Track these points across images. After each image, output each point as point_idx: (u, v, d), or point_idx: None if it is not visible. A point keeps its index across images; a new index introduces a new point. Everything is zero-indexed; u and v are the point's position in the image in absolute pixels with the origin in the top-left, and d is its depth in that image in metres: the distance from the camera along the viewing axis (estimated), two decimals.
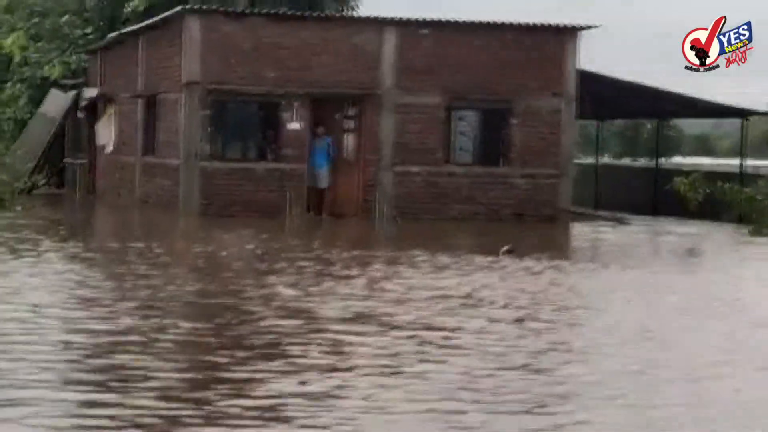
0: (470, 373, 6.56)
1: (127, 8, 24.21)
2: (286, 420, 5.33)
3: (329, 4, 25.45)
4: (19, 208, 18.21)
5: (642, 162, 29.34)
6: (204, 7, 18.58)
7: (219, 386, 5.97)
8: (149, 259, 12.42)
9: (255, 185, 18.19)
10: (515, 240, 14.99)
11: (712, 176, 21.76)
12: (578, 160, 30.15)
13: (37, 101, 25.38)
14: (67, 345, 7.20)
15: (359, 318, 8.55)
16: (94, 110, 23.77)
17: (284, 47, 18.25)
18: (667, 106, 24.40)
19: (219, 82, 17.92)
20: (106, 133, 23.13)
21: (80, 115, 24.21)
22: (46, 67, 24.91)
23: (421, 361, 6.90)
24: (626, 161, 32.23)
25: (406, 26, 18.94)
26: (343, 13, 24.91)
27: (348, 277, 11.15)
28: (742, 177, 21.89)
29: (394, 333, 7.97)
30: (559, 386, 6.44)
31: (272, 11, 19.39)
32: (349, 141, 19.13)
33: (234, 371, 6.41)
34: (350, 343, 7.47)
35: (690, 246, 18.08)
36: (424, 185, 18.97)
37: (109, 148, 23.17)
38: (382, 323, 8.38)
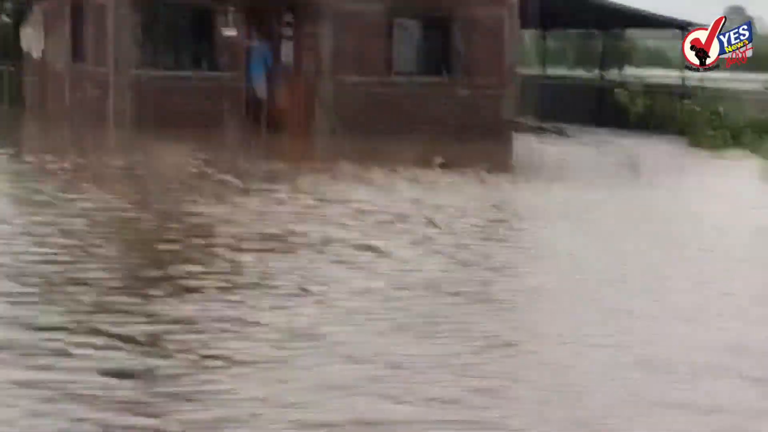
0: (372, 292, 6.61)
1: None
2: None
3: None
4: None
5: (590, 74, 29.34)
6: None
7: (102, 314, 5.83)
8: (60, 175, 12.15)
9: (189, 95, 17.75)
10: (455, 152, 14.97)
11: (655, 88, 21.95)
12: (530, 71, 30.08)
13: None
14: None
15: (270, 236, 8.45)
16: (20, 14, 23.09)
17: None
18: (611, 17, 24.41)
19: None
20: (33, 38, 22.42)
21: (6, 19, 23.54)
22: None
23: (325, 281, 6.87)
24: (579, 72, 32.29)
25: None
26: None
27: (267, 191, 11.04)
28: (685, 90, 22.10)
29: (303, 251, 7.91)
30: (466, 305, 6.49)
31: None
32: (287, 50, 18.70)
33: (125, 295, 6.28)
34: (255, 263, 7.38)
35: (627, 159, 18.28)
36: (366, 96, 18.66)
37: (37, 54, 22.47)
38: (290, 241, 8.31)
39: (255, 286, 6.70)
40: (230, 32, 17.81)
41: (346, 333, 5.56)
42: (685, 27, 23.39)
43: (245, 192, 10.99)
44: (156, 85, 17.70)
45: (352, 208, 10.07)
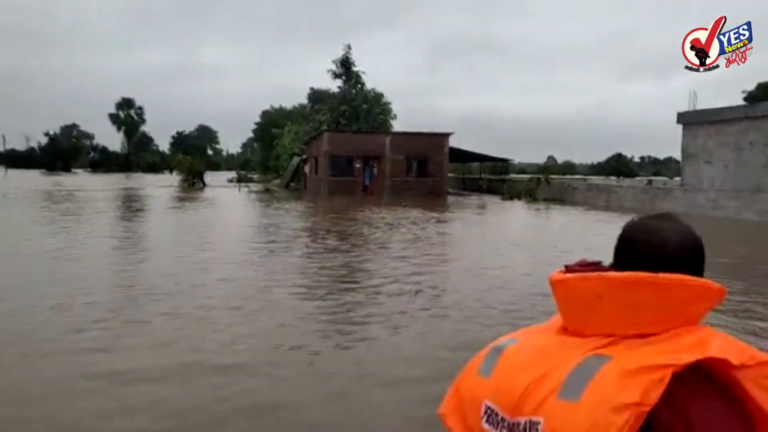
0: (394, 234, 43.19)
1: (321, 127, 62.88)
2: None
3: (378, 122, 65.14)
4: (278, 191, 57.07)
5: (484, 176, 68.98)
6: (330, 128, 57.42)
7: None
8: (310, 209, 49.02)
9: (345, 184, 55.77)
10: (423, 201, 52.87)
11: (494, 179, 61.57)
12: (455, 174, 70.00)
13: (290, 159, 67.16)
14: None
15: (374, 219, 45.87)
16: (305, 161, 64.29)
17: (354, 141, 56.29)
18: (479, 157, 63.52)
19: (334, 151, 55.82)
20: (308, 168, 62.84)
21: (302, 163, 64.79)
22: (296, 149, 67.12)
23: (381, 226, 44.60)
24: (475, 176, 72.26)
25: (394, 134, 57.12)
26: (375, 128, 64.03)
27: (369, 212, 48.53)
28: (507, 180, 60.66)
29: (382, 225, 44.41)
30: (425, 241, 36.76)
31: (350, 130, 58.57)
32: (376, 169, 56.83)
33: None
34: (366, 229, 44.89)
35: (478, 202, 56.01)
36: (400, 183, 55.58)
37: (309, 174, 62.15)
38: (377, 222, 44.63)
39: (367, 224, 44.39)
40: (358, 164, 55.86)
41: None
42: (505, 161, 63.52)
43: (362, 211, 44.37)
44: (336, 182, 55.57)
45: (389, 214, 47.18)
